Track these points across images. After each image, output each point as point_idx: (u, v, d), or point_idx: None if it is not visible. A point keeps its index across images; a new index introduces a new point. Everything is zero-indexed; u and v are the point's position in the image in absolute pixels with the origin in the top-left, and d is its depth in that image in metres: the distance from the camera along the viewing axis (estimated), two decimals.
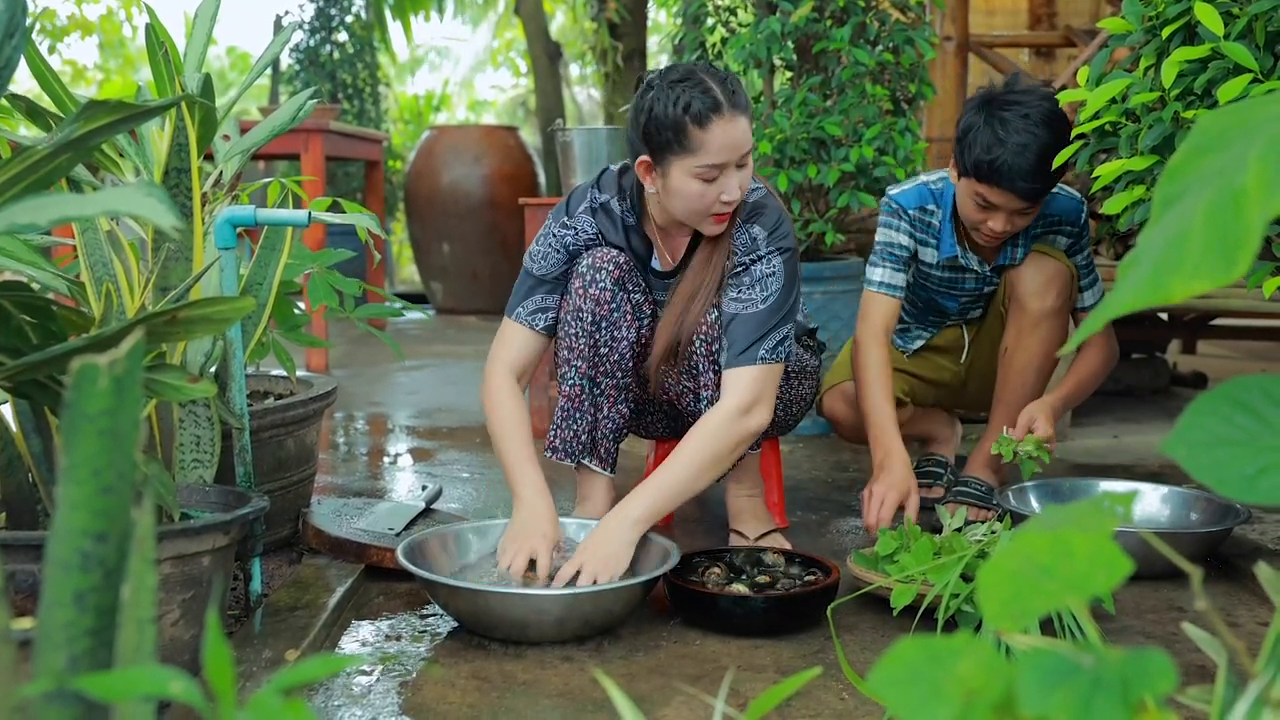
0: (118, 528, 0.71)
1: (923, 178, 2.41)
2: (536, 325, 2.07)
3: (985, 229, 2.23)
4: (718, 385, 1.99)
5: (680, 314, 2.00)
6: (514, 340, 2.07)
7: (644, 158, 1.93)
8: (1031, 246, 2.36)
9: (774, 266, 1.98)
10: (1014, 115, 2.13)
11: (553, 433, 2.11)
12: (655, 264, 2.11)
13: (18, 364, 1.21)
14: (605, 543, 1.84)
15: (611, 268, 2.03)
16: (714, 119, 1.85)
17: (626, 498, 1.90)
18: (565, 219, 2.09)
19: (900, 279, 2.38)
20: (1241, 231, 0.62)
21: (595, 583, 1.77)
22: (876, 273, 2.39)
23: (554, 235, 2.09)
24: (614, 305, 2.03)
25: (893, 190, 2.41)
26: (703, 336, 2.00)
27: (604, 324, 2.04)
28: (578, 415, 2.09)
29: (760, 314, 1.95)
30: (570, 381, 2.08)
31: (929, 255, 2.39)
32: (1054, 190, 2.35)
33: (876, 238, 2.42)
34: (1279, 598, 0.63)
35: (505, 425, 2.00)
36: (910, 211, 2.37)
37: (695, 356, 2.01)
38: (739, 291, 1.97)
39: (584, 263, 2.04)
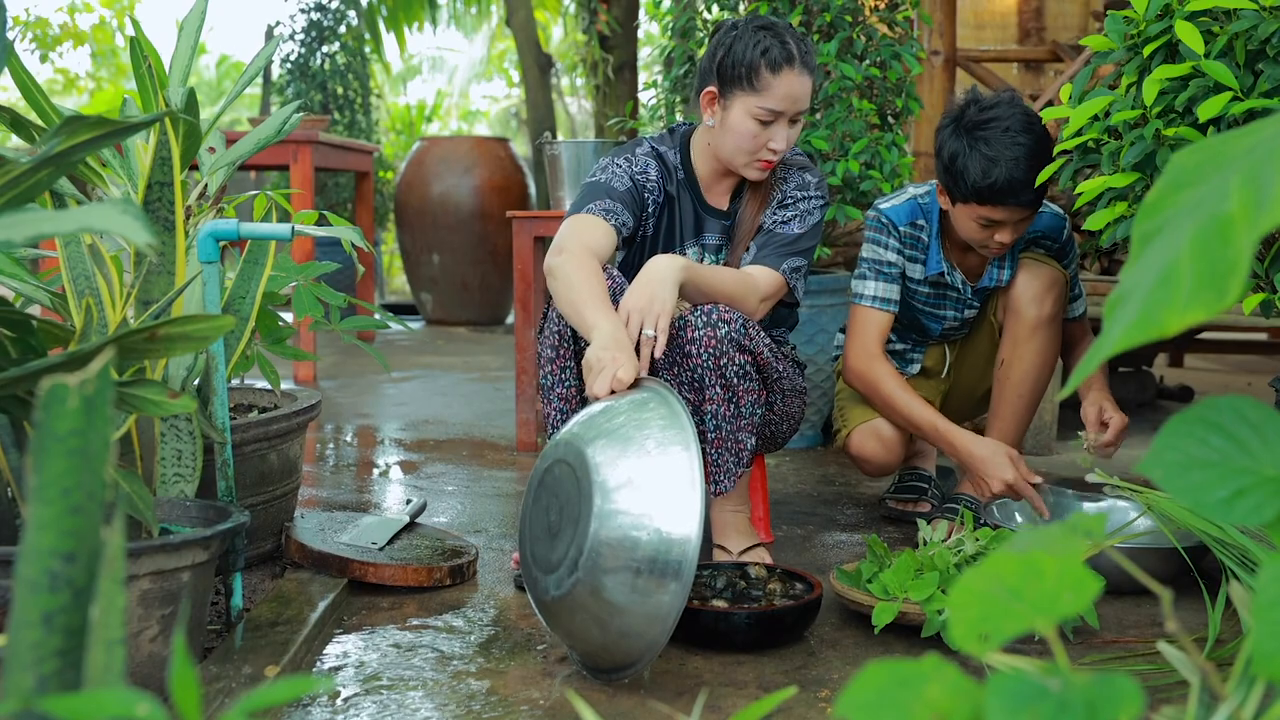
0: (87, 548, 0.71)
1: (910, 190, 2.40)
2: (612, 221, 2.02)
3: (993, 244, 2.25)
4: (722, 400, 2.00)
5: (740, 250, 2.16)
6: (590, 228, 1.98)
7: (711, 88, 2.08)
8: (1017, 264, 2.36)
9: (815, 210, 2.17)
10: (995, 132, 2.14)
11: None
12: (709, 203, 2.20)
13: None
14: (648, 282, 1.83)
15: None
16: (785, 69, 2.03)
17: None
18: (629, 155, 2.15)
19: (894, 292, 2.36)
20: (1231, 259, 0.62)
21: (641, 325, 1.79)
22: (869, 287, 2.35)
23: (619, 165, 2.12)
24: None
25: (882, 204, 2.39)
26: (710, 350, 1.99)
27: None
28: None
29: (792, 236, 2.13)
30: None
31: (916, 271, 2.39)
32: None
33: (863, 252, 2.39)
34: (1250, 616, 0.63)
35: (580, 278, 1.87)
36: (901, 228, 2.36)
37: (701, 369, 2.01)
38: (781, 214, 2.15)
39: None
